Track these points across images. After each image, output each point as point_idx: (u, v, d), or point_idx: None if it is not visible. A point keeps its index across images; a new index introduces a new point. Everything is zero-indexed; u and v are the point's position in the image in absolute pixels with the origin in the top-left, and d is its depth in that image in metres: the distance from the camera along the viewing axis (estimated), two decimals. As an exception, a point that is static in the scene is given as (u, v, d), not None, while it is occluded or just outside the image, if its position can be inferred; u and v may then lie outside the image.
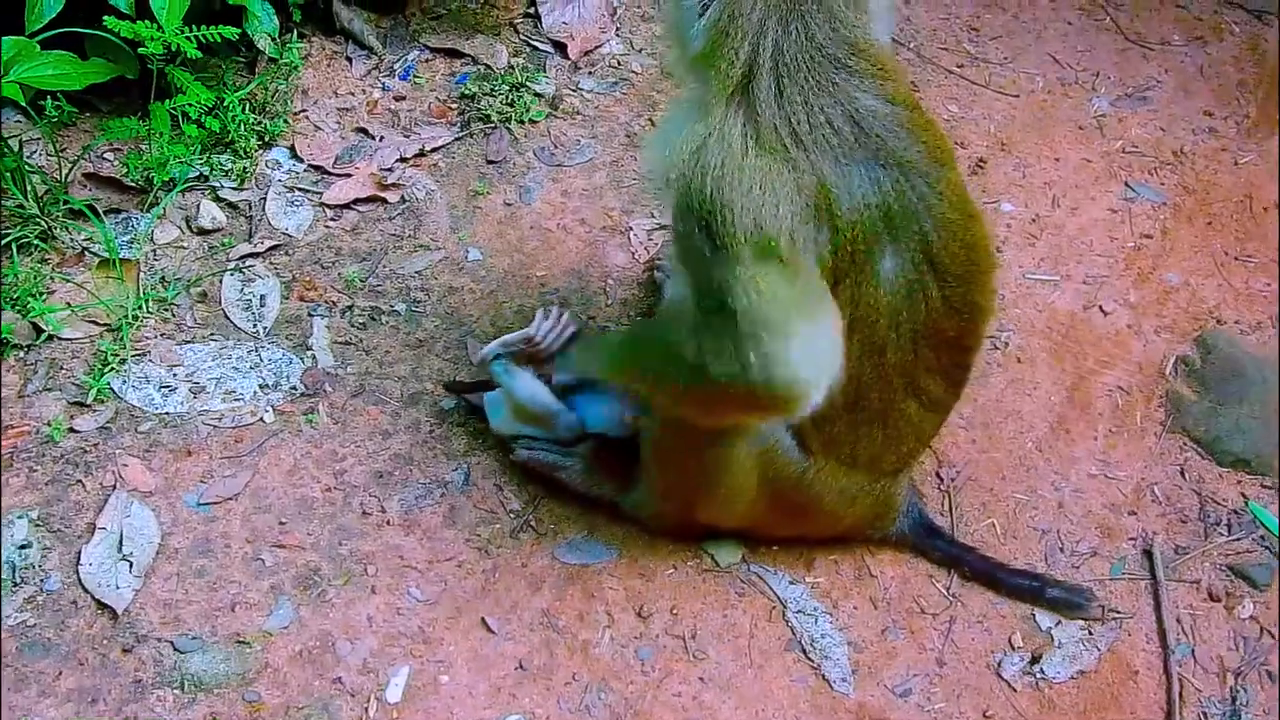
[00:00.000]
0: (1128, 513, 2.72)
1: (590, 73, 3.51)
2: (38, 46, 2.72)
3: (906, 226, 2.12)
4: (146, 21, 2.69)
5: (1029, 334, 3.00)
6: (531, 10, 3.63)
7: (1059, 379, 2.93)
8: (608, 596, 2.51)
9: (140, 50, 2.72)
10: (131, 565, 2.43)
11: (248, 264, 2.97)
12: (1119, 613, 2.56)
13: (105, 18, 2.67)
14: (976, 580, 2.58)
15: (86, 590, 2.41)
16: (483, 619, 2.46)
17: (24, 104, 2.79)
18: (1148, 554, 2.64)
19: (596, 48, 3.57)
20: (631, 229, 3.11)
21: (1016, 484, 2.75)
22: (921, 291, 2.17)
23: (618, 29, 3.63)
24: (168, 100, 2.89)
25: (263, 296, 2.90)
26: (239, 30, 2.90)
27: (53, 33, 2.77)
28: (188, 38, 2.70)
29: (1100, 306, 3.06)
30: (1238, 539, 2.68)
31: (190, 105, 2.89)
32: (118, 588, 2.40)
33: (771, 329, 2.03)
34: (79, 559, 2.43)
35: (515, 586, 2.51)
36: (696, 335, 2.10)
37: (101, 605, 2.40)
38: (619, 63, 3.54)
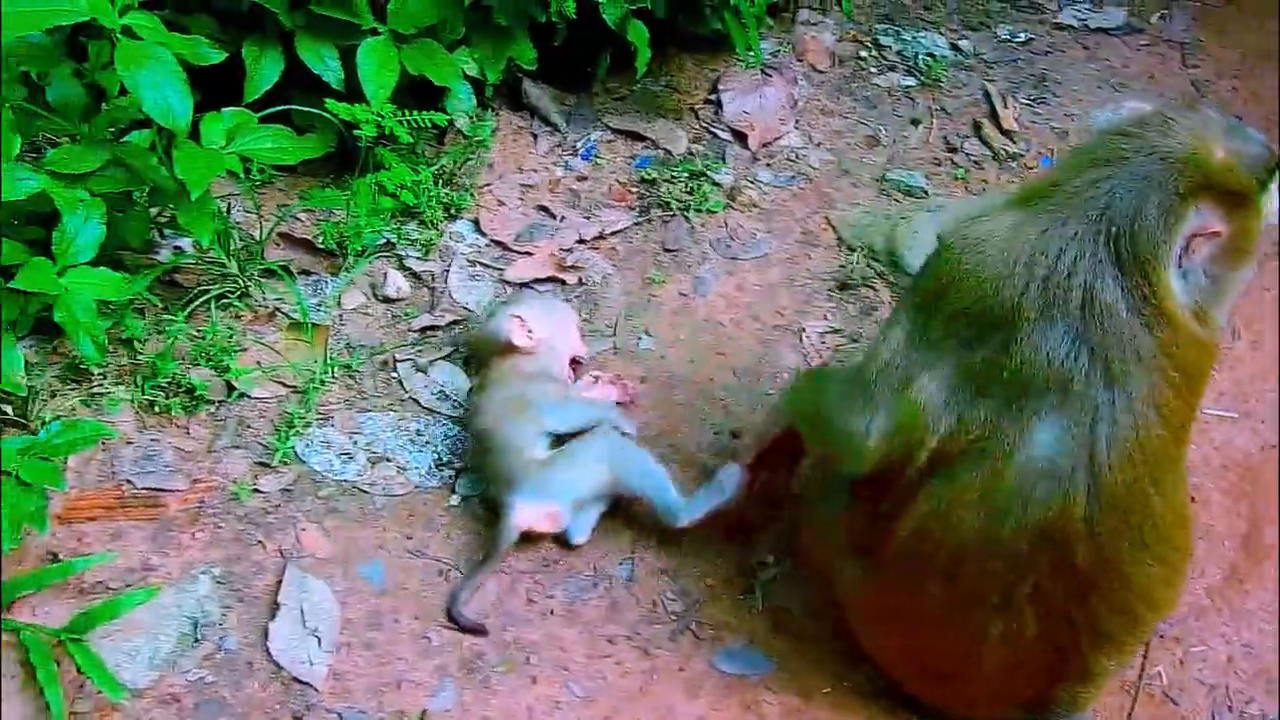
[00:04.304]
0: (1302, 674, 2.63)
1: (768, 164, 3.53)
2: (256, 119, 2.83)
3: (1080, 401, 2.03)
4: (362, 105, 2.79)
5: (1205, 473, 2.93)
6: (713, 97, 3.67)
7: (1234, 524, 2.85)
8: (764, 710, 2.51)
9: (355, 132, 2.81)
10: (320, 640, 2.50)
11: (428, 336, 3.05)
12: (1287, 782, 2.49)
13: (327, 100, 2.77)
14: None
15: (281, 666, 2.47)
16: (638, 720, 2.48)
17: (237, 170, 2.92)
18: (1321, 721, 2.56)
19: (776, 139, 3.59)
20: (805, 330, 3.12)
21: (1186, 632, 2.68)
22: (1064, 491, 2.04)
23: (797, 121, 3.65)
24: (369, 174, 2.99)
25: (441, 371, 2.98)
26: (449, 116, 2.99)
27: (270, 111, 2.89)
28: (400, 121, 2.79)
29: (1281, 449, 2.98)
30: None
31: (389, 180, 2.98)
32: (311, 664, 2.47)
33: None
34: (266, 633, 2.51)
35: (672, 692, 2.52)
36: None
37: (278, 668, 2.47)
38: (797, 156, 3.56)
